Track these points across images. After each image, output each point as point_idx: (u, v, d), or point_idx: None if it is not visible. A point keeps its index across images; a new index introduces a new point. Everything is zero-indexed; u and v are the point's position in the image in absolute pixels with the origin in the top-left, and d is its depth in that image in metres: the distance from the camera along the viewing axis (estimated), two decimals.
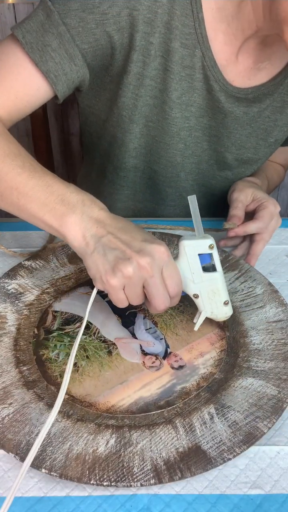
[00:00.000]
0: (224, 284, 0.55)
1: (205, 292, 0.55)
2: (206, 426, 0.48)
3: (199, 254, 0.53)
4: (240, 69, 0.70)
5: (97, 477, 0.43)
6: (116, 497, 0.43)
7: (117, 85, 0.69)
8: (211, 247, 0.53)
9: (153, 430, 0.48)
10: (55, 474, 0.44)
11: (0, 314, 0.60)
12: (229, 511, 0.43)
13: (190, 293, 0.55)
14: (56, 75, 0.63)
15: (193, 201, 0.53)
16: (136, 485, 0.43)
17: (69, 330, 0.60)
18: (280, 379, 0.52)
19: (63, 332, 0.59)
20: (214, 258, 0.54)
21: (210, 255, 0.54)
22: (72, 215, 0.51)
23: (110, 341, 0.58)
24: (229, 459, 0.45)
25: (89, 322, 0.60)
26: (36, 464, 0.44)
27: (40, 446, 0.45)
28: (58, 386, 0.52)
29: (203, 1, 0.64)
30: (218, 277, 0.54)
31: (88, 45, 0.63)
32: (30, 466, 0.44)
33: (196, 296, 0.55)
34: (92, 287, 0.54)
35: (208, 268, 0.54)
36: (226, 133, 0.76)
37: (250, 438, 0.46)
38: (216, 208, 0.89)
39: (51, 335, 0.59)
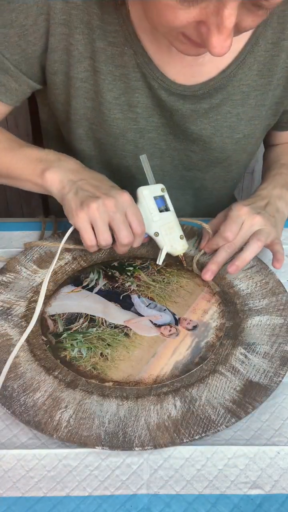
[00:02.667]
0: (177, 221, 0.68)
1: (163, 230, 0.66)
2: (246, 364, 0.54)
3: (154, 197, 0.66)
4: (181, 67, 0.67)
5: (187, 435, 0.46)
6: (116, 497, 0.44)
7: (52, 85, 0.70)
8: (162, 190, 0.67)
9: (205, 382, 0.52)
10: (149, 447, 0.45)
11: (0, 333, 0.58)
12: (229, 511, 0.43)
13: (152, 232, 0.66)
14: None
15: (144, 160, 0.67)
16: (221, 428, 0.47)
17: (76, 327, 0.60)
18: (280, 310, 0.60)
19: (72, 331, 0.59)
20: (166, 199, 0.67)
21: (163, 197, 0.67)
22: (50, 168, 0.65)
23: (121, 325, 0.60)
24: (279, 381, 0.51)
25: (91, 315, 0.61)
26: (127, 447, 0.45)
27: (120, 431, 0.47)
28: (97, 378, 0.53)
29: None
30: (171, 215, 0.67)
31: (18, 56, 0.66)
32: (122, 450, 0.45)
33: (157, 234, 0.66)
34: (74, 284, 0.65)
35: (163, 209, 0.67)
36: (180, 131, 0.73)
37: (285, 360, 0.54)
38: (194, 209, 0.87)
39: (61, 337, 0.58)
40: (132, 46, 0.64)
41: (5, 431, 0.49)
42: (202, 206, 0.87)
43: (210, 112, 0.70)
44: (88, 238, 0.62)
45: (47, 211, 1.00)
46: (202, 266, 0.68)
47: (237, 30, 0.47)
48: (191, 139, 0.74)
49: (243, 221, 0.65)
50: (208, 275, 0.65)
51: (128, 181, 0.77)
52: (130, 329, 0.59)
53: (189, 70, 0.67)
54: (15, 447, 0.47)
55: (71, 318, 0.61)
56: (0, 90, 0.69)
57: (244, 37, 0.65)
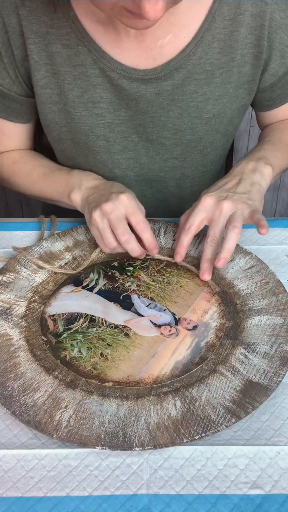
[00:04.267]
0: None
1: None
2: (246, 363, 0.54)
3: None
4: (140, 51, 0.68)
5: (187, 435, 0.46)
6: (116, 497, 0.44)
7: (18, 97, 0.76)
8: None
9: (205, 382, 0.52)
10: (149, 448, 0.45)
11: (0, 333, 0.58)
12: (229, 511, 0.43)
13: None
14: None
15: None
16: (222, 428, 0.47)
17: (76, 327, 0.60)
18: (280, 310, 0.60)
19: (72, 331, 0.59)
20: None
21: None
22: (73, 191, 0.74)
23: (121, 325, 0.60)
24: (279, 381, 0.51)
25: (91, 315, 0.61)
26: (127, 447, 0.45)
27: (120, 431, 0.47)
28: (97, 378, 0.53)
29: None
30: None
31: (7, 79, 0.73)
32: (122, 450, 0.45)
33: None
34: (74, 284, 0.67)
35: None
36: (148, 119, 0.74)
37: (285, 360, 0.54)
38: (180, 200, 0.87)
39: (61, 337, 0.58)
40: (85, 45, 0.67)
41: (5, 431, 0.49)
42: (187, 195, 0.86)
43: (175, 94, 0.71)
44: (101, 245, 0.69)
45: (47, 211, 1.00)
46: (191, 260, 0.70)
47: None
48: (161, 125, 0.75)
49: (212, 212, 0.64)
50: (206, 275, 0.65)
51: (109, 178, 0.79)
52: (130, 329, 0.59)
53: (150, 54, 0.69)
54: (15, 447, 0.47)
55: (71, 318, 0.61)
56: (8, 112, 0.77)
57: (200, 15, 0.67)
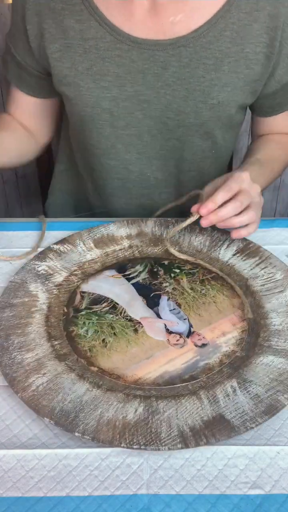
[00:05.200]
0: None
1: None
2: (229, 398, 0.50)
3: None
4: (151, 25, 0.72)
5: (127, 441, 0.46)
6: (116, 497, 0.44)
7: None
8: None
9: (178, 401, 0.50)
10: (88, 437, 0.47)
11: (31, 293, 0.64)
12: (229, 511, 0.43)
13: None
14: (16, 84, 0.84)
15: None
16: (164, 448, 0.46)
17: (97, 309, 0.62)
18: None
19: (91, 311, 0.62)
20: None
21: None
22: None
23: (136, 320, 0.61)
24: (252, 427, 0.47)
25: (115, 302, 0.63)
26: (70, 429, 0.47)
27: (73, 412, 0.48)
28: (87, 360, 0.55)
29: None
30: None
31: (21, 49, 0.78)
32: (65, 430, 0.47)
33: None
34: (118, 271, 0.67)
35: None
36: (154, 94, 0.75)
37: (271, 409, 0.49)
38: (178, 182, 0.87)
39: (79, 313, 0.62)
40: (96, 19, 0.72)
41: (5, 431, 0.50)
42: (186, 179, 0.87)
43: (182, 73, 0.73)
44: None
45: (47, 211, 1.01)
46: (193, 248, 0.72)
47: None
48: (166, 103, 0.75)
49: (245, 185, 0.65)
50: (206, 222, 0.63)
51: (111, 152, 0.81)
52: (142, 327, 0.60)
53: (160, 29, 0.71)
54: (15, 447, 0.48)
55: (97, 299, 0.64)
56: (20, 81, 0.82)
57: (217, 2, 0.70)
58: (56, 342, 0.58)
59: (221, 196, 0.63)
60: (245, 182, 0.66)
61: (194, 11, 0.71)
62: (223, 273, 0.68)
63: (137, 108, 0.77)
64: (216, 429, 0.47)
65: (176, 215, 0.79)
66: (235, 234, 0.66)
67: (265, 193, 0.73)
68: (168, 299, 0.64)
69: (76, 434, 0.47)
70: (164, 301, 0.64)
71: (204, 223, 0.63)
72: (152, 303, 0.64)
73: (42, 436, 0.49)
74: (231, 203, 0.63)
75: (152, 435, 0.47)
